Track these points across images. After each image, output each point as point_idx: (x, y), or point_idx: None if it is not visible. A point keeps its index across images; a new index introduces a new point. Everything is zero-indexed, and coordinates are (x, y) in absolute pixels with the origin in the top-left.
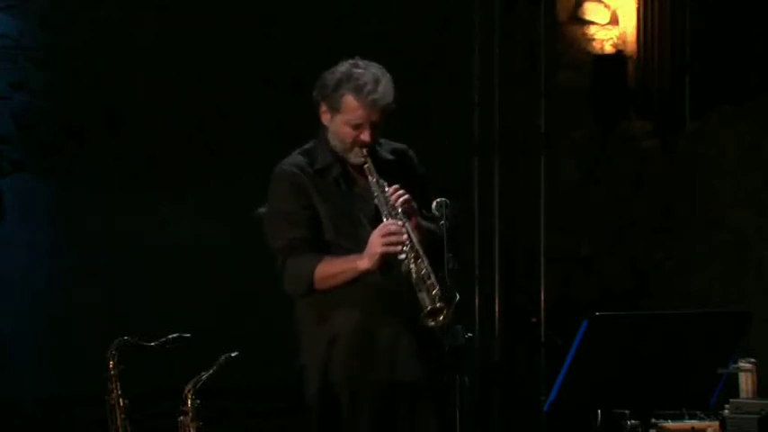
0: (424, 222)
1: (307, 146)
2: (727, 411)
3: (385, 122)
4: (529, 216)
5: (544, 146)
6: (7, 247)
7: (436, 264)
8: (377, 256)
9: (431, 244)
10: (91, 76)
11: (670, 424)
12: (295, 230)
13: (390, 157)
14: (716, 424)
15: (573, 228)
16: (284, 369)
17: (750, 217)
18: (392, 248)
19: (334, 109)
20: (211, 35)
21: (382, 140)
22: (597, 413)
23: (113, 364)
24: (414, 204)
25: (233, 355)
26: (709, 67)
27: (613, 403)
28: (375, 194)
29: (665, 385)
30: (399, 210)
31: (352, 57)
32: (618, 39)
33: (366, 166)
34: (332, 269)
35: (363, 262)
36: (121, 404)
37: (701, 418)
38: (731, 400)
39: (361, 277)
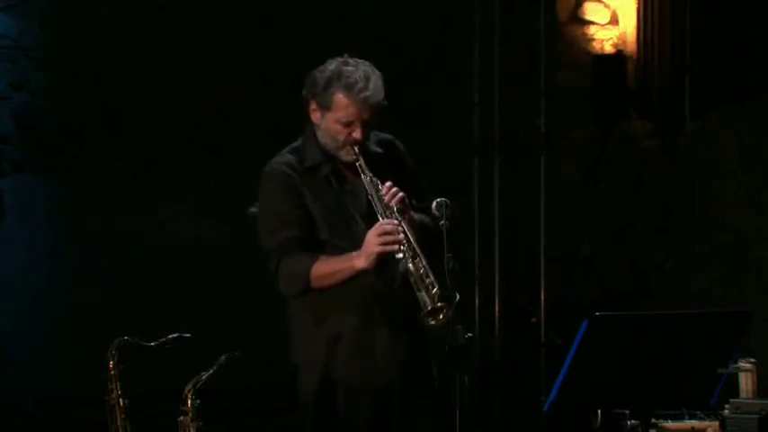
0: (417, 216)
1: (295, 144)
2: (727, 411)
3: (376, 120)
4: (529, 216)
5: (544, 146)
6: (7, 247)
7: (432, 258)
8: (373, 256)
9: (425, 238)
10: (91, 76)
11: (670, 424)
12: (288, 230)
13: (378, 150)
14: (716, 424)
15: (573, 228)
16: (284, 369)
17: (750, 217)
18: (388, 248)
19: (325, 107)
20: (211, 35)
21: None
22: (597, 413)
23: (113, 364)
24: (407, 201)
25: (236, 353)
26: (709, 67)
27: (613, 403)
28: (369, 193)
29: (665, 385)
30: (395, 208)
31: (351, 56)
32: (618, 39)
33: (358, 164)
34: (328, 269)
35: (360, 261)
36: (121, 404)
37: (701, 418)
38: (731, 400)
39: (357, 277)
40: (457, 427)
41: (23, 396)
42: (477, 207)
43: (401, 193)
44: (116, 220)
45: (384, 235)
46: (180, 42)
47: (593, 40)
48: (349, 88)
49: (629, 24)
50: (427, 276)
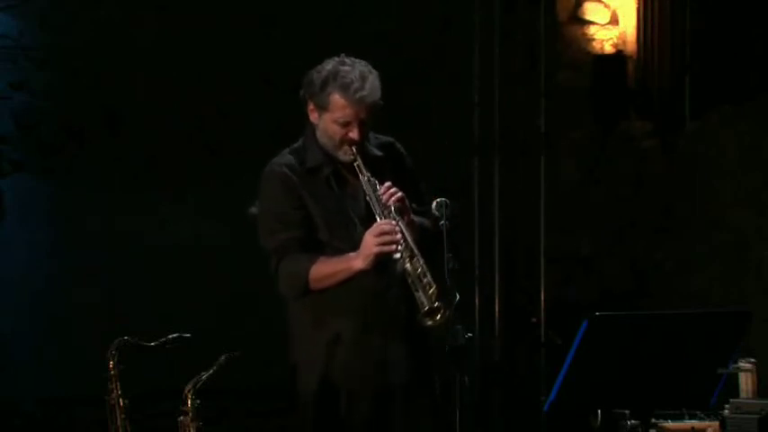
0: (416, 218)
1: (296, 144)
2: (727, 411)
3: (373, 119)
4: (529, 216)
5: (544, 146)
6: (7, 247)
7: (430, 259)
8: (371, 257)
9: (423, 239)
10: (91, 76)
11: (670, 424)
12: (287, 231)
13: (378, 153)
14: (716, 424)
15: (573, 228)
16: (284, 369)
17: (750, 217)
18: (386, 248)
19: (322, 107)
20: (211, 35)
21: (370, 135)
22: (597, 413)
23: (113, 364)
24: (406, 202)
25: (236, 353)
26: (710, 67)
27: (613, 403)
28: (367, 194)
29: (665, 385)
30: (392, 208)
31: (349, 56)
32: (618, 39)
33: (356, 164)
34: (326, 270)
35: (358, 262)
36: (121, 404)
37: (701, 418)
38: (731, 400)
39: (356, 278)
40: (457, 427)
41: (23, 396)
42: (477, 207)
43: (399, 193)
44: (116, 220)
45: (381, 235)
46: (180, 42)
47: (593, 40)
48: (345, 88)
49: (629, 24)
50: (425, 276)
